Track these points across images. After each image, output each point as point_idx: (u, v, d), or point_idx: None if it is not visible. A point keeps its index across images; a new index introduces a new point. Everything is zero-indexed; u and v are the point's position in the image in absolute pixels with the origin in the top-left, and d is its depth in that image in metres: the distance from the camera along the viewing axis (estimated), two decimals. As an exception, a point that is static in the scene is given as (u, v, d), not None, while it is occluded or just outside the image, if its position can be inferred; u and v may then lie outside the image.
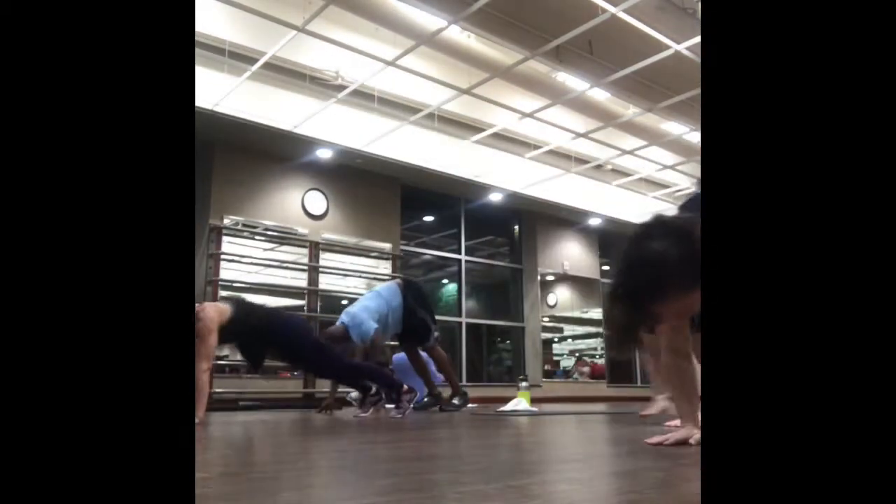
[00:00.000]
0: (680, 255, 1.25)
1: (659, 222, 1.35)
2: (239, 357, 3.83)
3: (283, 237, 6.74)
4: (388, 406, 3.97)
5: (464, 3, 4.83)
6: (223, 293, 6.02)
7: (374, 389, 3.89)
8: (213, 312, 3.24)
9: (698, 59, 3.74)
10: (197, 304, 3.29)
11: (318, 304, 6.65)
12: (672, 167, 8.41)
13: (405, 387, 3.83)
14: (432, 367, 4.70)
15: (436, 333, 4.57)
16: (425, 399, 4.51)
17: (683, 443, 1.58)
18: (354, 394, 4.35)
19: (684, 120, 6.90)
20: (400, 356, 5.15)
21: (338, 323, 4.23)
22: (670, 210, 1.61)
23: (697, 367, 1.80)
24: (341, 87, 5.94)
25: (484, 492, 1.02)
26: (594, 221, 9.19)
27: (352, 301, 4.88)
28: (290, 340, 3.60)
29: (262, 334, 3.47)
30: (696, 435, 1.58)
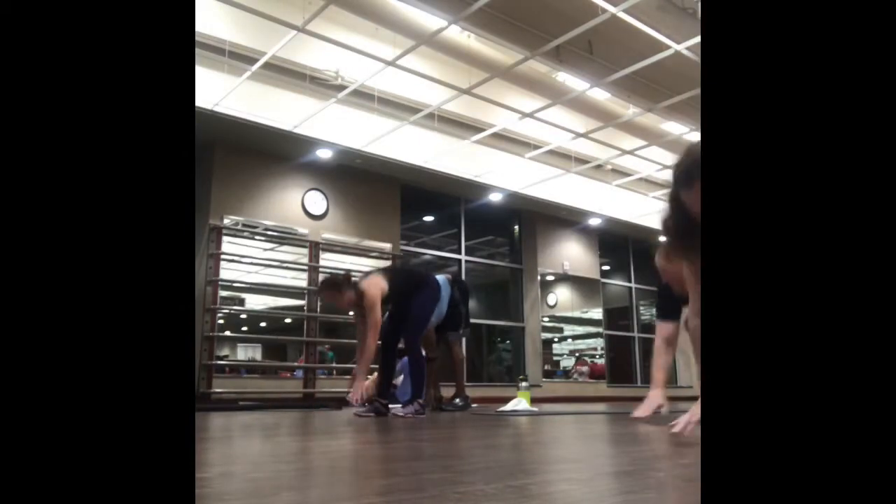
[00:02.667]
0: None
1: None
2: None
3: (283, 237, 6.74)
4: (389, 407, 3.97)
5: (464, 3, 4.83)
6: (224, 293, 6.01)
7: (385, 400, 3.89)
8: (375, 290, 3.64)
9: (698, 59, 3.74)
10: (362, 281, 3.72)
11: (319, 304, 6.66)
12: (672, 167, 8.40)
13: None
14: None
15: (467, 329, 4.83)
16: (457, 401, 4.70)
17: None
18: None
19: (684, 120, 6.89)
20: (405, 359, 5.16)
21: None
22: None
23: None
24: (341, 87, 5.94)
25: (484, 492, 1.02)
26: (594, 221, 9.19)
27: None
28: (421, 302, 3.88)
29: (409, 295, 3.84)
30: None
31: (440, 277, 4.57)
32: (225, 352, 6.72)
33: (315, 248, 6.79)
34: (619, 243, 10.16)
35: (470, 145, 7.15)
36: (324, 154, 6.57)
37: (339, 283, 3.77)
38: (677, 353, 9.85)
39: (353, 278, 3.81)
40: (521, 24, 5.52)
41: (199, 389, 5.84)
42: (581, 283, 9.73)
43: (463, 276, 8.26)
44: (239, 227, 6.42)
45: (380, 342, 3.83)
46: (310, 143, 6.31)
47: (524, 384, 4.36)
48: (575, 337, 10.12)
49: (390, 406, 3.93)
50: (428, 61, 5.97)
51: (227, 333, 6.56)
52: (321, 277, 4.87)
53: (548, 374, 9.08)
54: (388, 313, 3.96)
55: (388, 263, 7.22)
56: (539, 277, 9.02)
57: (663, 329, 2.98)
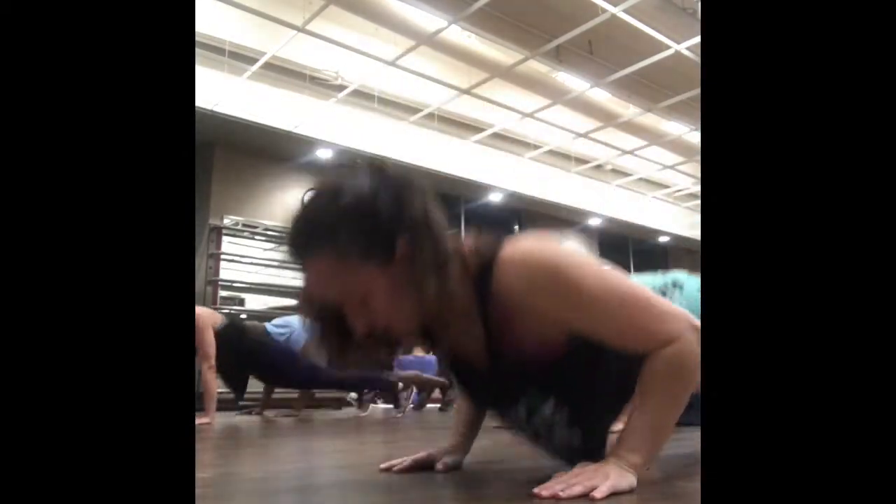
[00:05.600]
0: (372, 198, 0.86)
1: (373, 164, 0.94)
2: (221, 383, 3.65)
3: (283, 237, 6.72)
4: (388, 405, 3.97)
5: (464, 3, 4.83)
6: (224, 293, 6.00)
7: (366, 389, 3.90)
8: (203, 311, 3.24)
9: (698, 59, 3.74)
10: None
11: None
12: (672, 167, 8.41)
13: (400, 385, 3.84)
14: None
15: None
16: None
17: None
18: (354, 394, 4.36)
19: (684, 120, 6.89)
20: (407, 358, 5.15)
21: None
22: None
23: None
24: (341, 87, 5.94)
25: (483, 492, 1.02)
26: (594, 221, 9.19)
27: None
28: (279, 369, 3.51)
29: (248, 359, 3.44)
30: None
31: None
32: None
33: (315, 248, 6.78)
34: (619, 243, 10.16)
35: (470, 145, 7.15)
36: (324, 154, 6.57)
37: None
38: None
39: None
40: (521, 24, 5.52)
41: (199, 389, 5.84)
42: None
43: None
44: (239, 227, 6.42)
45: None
46: (310, 143, 6.30)
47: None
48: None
49: (386, 407, 3.94)
50: (428, 61, 5.96)
51: (227, 333, 6.55)
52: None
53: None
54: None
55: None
56: (539, 277, 9.00)
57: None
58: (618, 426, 1.49)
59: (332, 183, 0.91)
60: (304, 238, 0.90)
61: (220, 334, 3.23)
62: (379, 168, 0.92)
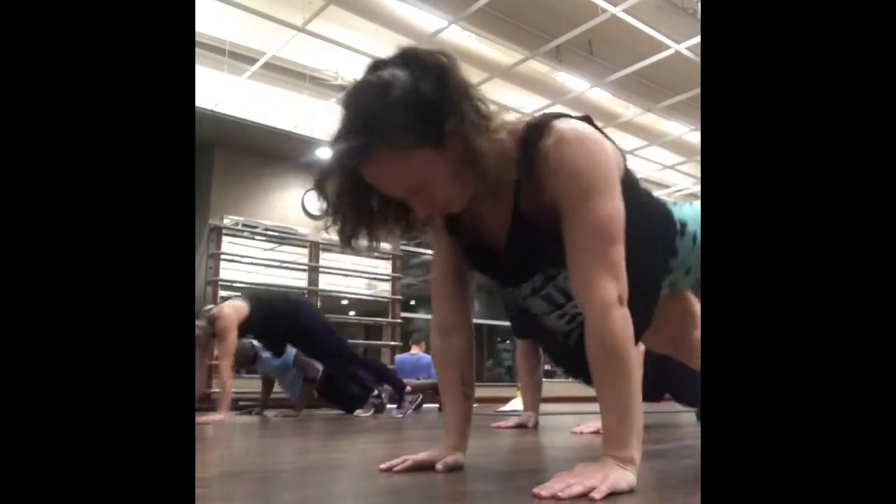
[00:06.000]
0: (414, 88, 0.87)
1: (404, 50, 0.95)
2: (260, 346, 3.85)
3: (283, 237, 6.73)
4: (388, 406, 3.97)
5: (464, 3, 4.83)
6: (224, 293, 6.02)
7: (377, 392, 3.89)
8: (230, 311, 3.30)
9: (698, 59, 3.74)
10: (215, 307, 3.36)
11: (319, 304, 6.65)
12: (672, 167, 8.40)
13: (408, 388, 3.84)
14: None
15: None
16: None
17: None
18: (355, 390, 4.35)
19: (684, 120, 6.89)
20: (403, 356, 5.14)
21: None
22: None
23: None
24: (341, 87, 5.93)
25: (484, 492, 1.02)
26: (594, 221, 9.18)
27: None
28: (305, 324, 3.62)
29: (279, 323, 3.52)
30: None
31: None
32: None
33: (315, 248, 6.79)
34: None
35: (470, 145, 7.14)
36: (324, 154, 6.56)
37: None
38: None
39: (209, 307, 3.48)
40: (521, 24, 5.51)
41: (200, 390, 5.84)
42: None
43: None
44: (239, 227, 6.42)
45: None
46: (310, 143, 6.30)
47: (524, 384, 4.36)
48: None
49: (388, 406, 3.94)
50: (428, 61, 5.96)
51: (227, 333, 6.55)
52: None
53: (548, 375, 9.07)
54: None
55: (387, 263, 7.20)
56: (539, 277, 9.00)
57: (521, 342, 2.77)
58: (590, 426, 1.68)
59: (373, 79, 0.92)
60: (358, 138, 0.89)
61: (254, 308, 3.33)
62: (413, 55, 0.93)
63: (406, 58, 0.93)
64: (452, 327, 1.19)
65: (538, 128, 0.98)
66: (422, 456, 1.16)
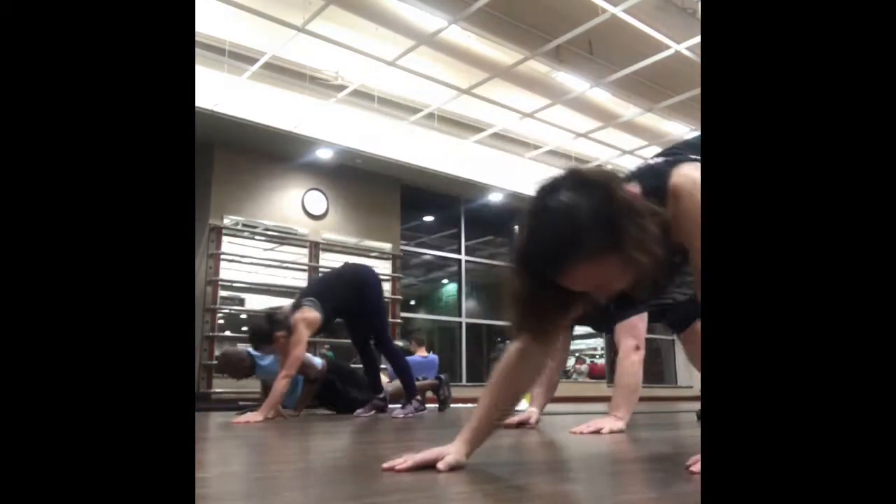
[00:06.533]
0: (592, 209, 1.03)
1: (571, 172, 1.11)
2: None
3: (283, 237, 6.74)
4: (390, 406, 3.97)
5: (464, 3, 4.83)
6: (224, 293, 6.00)
7: (382, 394, 3.88)
8: (304, 329, 3.36)
9: (698, 59, 3.74)
10: (291, 319, 3.39)
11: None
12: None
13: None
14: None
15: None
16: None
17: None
18: (355, 393, 4.34)
19: (684, 120, 6.89)
20: (413, 358, 5.15)
21: None
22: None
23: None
24: (341, 87, 5.94)
25: (484, 492, 1.02)
26: (594, 221, 9.19)
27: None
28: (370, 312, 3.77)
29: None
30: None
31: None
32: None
33: (315, 248, 6.79)
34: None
35: (470, 145, 7.15)
36: (324, 154, 6.57)
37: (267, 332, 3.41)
38: (677, 351, 9.85)
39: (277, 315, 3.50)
40: (521, 24, 5.52)
41: (199, 389, 5.84)
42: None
43: (463, 276, 8.27)
44: (239, 227, 6.42)
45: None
46: (310, 143, 6.30)
47: (524, 384, 4.35)
48: (574, 336, 10.10)
49: (391, 406, 3.93)
50: (428, 61, 5.96)
51: (227, 333, 6.56)
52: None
53: (547, 374, 9.06)
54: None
55: (388, 263, 7.20)
56: (539, 277, 9.00)
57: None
58: (589, 426, 2.25)
59: (556, 205, 1.06)
60: (554, 257, 1.05)
61: (322, 321, 3.49)
62: (581, 177, 1.09)
63: (576, 180, 1.08)
64: (537, 354, 1.26)
65: (659, 191, 1.15)
66: (423, 455, 1.17)
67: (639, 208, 1.07)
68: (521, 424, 2.55)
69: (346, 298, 3.66)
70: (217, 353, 6.18)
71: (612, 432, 2.17)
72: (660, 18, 5.33)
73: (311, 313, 3.43)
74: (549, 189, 1.09)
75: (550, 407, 4.77)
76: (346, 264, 4.45)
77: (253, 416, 3.12)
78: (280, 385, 3.26)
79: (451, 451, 1.18)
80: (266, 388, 4.21)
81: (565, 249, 1.04)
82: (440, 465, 1.14)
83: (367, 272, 3.99)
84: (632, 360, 2.44)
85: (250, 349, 3.79)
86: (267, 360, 3.89)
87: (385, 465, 1.17)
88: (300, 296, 3.65)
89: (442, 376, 4.83)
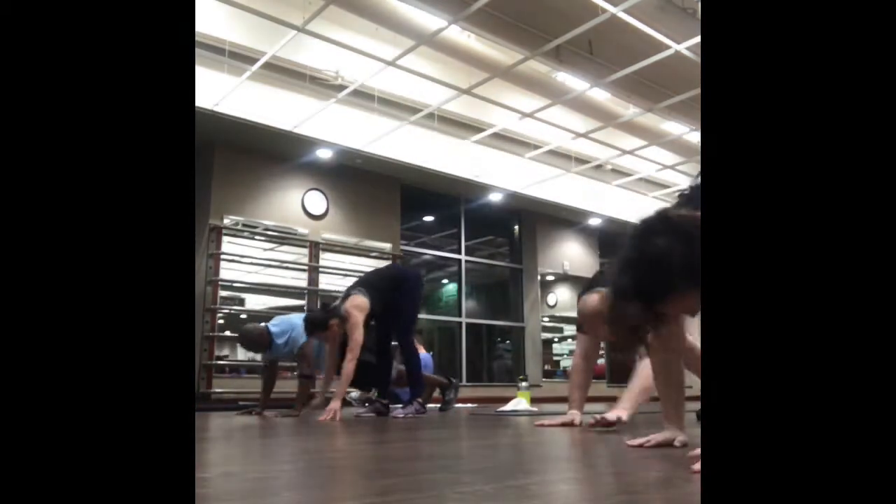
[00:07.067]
0: (684, 252, 1.25)
1: (662, 218, 1.33)
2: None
3: (283, 237, 6.74)
4: (392, 406, 3.97)
5: (464, 3, 4.83)
6: (224, 293, 5.99)
7: (386, 400, 3.89)
8: (357, 313, 3.61)
9: (698, 59, 3.74)
10: (342, 306, 3.67)
11: (319, 304, 6.66)
12: (672, 167, 8.41)
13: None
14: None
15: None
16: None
17: (667, 445, 1.62)
18: (355, 394, 4.35)
19: (684, 120, 6.89)
20: (426, 356, 5.17)
21: None
22: (669, 205, 1.55)
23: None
24: (341, 87, 5.94)
25: (484, 492, 1.02)
26: (594, 221, 9.19)
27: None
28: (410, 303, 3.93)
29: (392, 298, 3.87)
30: (679, 437, 1.65)
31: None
32: (225, 352, 6.71)
33: (315, 248, 6.79)
34: (619, 243, 10.14)
35: (470, 145, 7.15)
36: (324, 154, 6.57)
37: (323, 320, 3.71)
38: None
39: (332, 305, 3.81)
40: (521, 24, 5.51)
41: (199, 389, 5.84)
42: (581, 284, 9.70)
43: (463, 276, 8.27)
44: (239, 227, 6.42)
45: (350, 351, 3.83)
46: (310, 143, 6.30)
47: (524, 384, 4.36)
48: (575, 337, 10.09)
49: (391, 406, 3.93)
50: (428, 61, 5.96)
51: (227, 333, 6.56)
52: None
53: (548, 375, 9.07)
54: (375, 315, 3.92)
55: (388, 263, 7.21)
56: (539, 277, 9.01)
57: (582, 342, 2.84)
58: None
59: (653, 249, 1.28)
60: (657, 291, 1.30)
61: (371, 307, 3.70)
62: (671, 222, 1.29)
63: (666, 224, 1.29)
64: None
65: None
66: (661, 436, 1.63)
67: None
68: (566, 425, 2.58)
69: (384, 289, 3.86)
70: (218, 352, 6.18)
71: (619, 420, 2.32)
72: (660, 18, 5.33)
73: (360, 299, 3.71)
74: (647, 230, 1.32)
75: (550, 407, 4.76)
76: (393, 264, 4.82)
77: (333, 407, 3.28)
78: (349, 368, 3.51)
79: (666, 432, 1.66)
80: (266, 387, 4.22)
81: (665, 286, 1.29)
82: (677, 443, 1.61)
83: (409, 272, 4.25)
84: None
85: (269, 325, 4.01)
86: (282, 340, 4.01)
87: (632, 442, 1.65)
88: (349, 288, 3.91)
89: (453, 380, 4.84)
